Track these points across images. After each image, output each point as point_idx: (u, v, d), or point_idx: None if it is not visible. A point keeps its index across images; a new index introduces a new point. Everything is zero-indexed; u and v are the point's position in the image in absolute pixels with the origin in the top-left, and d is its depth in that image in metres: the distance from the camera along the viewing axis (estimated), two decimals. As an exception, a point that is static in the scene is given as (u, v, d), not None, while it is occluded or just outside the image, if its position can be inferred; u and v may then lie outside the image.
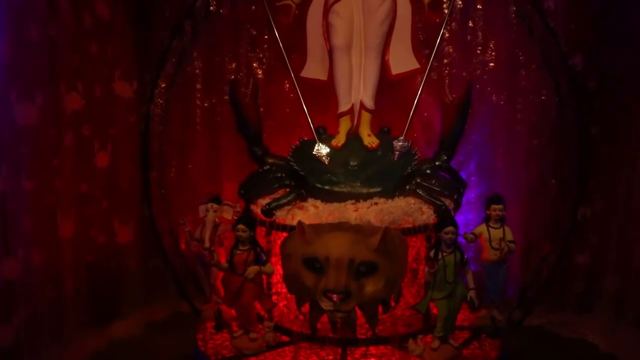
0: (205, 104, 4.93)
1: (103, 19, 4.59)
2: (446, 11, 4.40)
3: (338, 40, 4.23)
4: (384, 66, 4.31)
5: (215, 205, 4.16)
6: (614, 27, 4.58)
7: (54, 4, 4.19)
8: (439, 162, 4.31)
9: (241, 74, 4.82)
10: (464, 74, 4.72)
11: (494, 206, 4.11)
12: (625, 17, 4.55)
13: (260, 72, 4.83)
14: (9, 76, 3.91)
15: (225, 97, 4.65)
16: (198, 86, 4.90)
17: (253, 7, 4.72)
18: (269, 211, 4.00)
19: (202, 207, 4.21)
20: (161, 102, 4.87)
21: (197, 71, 4.89)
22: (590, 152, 4.60)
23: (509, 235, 4.11)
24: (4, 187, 3.92)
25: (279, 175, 4.27)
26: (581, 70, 4.67)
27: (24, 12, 3.96)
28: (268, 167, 4.34)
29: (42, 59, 4.12)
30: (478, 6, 4.67)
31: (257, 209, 4.10)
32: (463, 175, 4.59)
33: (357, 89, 4.31)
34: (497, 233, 4.09)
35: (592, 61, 4.66)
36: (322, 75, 4.38)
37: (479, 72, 4.72)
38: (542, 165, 4.81)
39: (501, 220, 4.14)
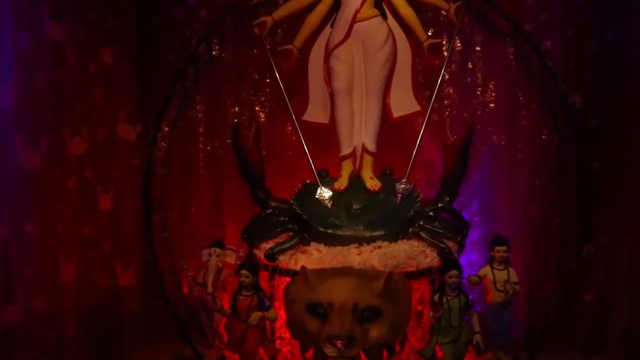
0: (208, 147, 4.95)
1: (107, 64, 4.65)
2: (446, 53, 4.47)
3: (339, 83, 4.28)
4: (385, 109, 4.36)
5: (218, 250, 4.16)
6: (611, 65, 4.64)
7: (60, 51, 4.24)
8: (442, 204, 4.31)
9: (243, 117, 4.86)
10: (465, 114, 4.75)
11: (497, 248, 4.09)
12: (622, 54, 4.61)
13: (262, 115, 4.87)
14: (15, 121, 3.94)
15: (228, 141, 4.71)
16: (201, 129, 4.94)
17: (255, 52, 4.77)
18: (272, 256, 3.99)
19: (205, 251, 4.20)
20: (164, 145, 4.91)
21: (200, 115, 4.93)
22: (592, 189, 4.59)
23: (514, 277, 4.08)
24: (7, 231, 3.91)
25: (282, 219, 4.27)
26: (580, 108, 4.69)
27: (30, 59, 4.02)
28: (271, 210, 4.35)
29: (48, 104, 4.16)
30: (477, 48, 4.74)
31: (260, 253, 4.09)
32: (466, 215, 4.58)
33: (359, 132, 4.35)
34: (501, 275, 4.06)
35: (591, 99, 4.70)
36: (324, 119, 4.43)
37: (479, 112, 4.76)
38: (545, 204, 4.80)
39: (505, 262, 4.10)
